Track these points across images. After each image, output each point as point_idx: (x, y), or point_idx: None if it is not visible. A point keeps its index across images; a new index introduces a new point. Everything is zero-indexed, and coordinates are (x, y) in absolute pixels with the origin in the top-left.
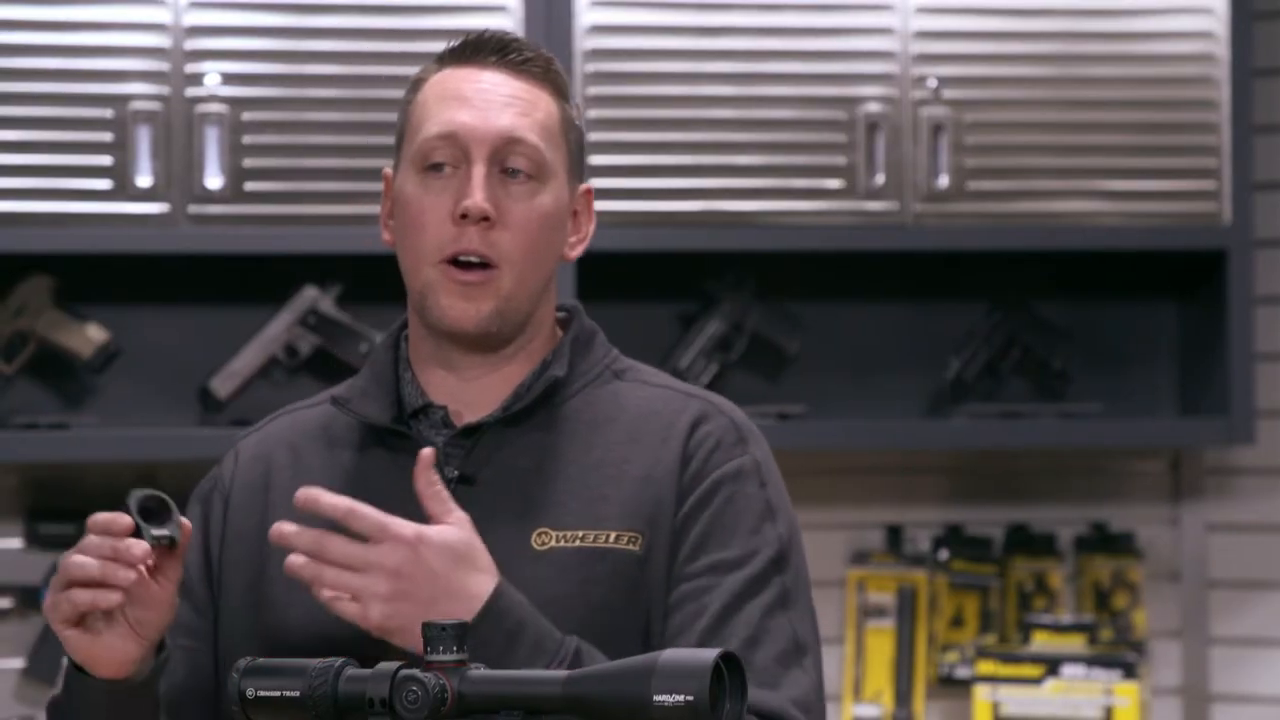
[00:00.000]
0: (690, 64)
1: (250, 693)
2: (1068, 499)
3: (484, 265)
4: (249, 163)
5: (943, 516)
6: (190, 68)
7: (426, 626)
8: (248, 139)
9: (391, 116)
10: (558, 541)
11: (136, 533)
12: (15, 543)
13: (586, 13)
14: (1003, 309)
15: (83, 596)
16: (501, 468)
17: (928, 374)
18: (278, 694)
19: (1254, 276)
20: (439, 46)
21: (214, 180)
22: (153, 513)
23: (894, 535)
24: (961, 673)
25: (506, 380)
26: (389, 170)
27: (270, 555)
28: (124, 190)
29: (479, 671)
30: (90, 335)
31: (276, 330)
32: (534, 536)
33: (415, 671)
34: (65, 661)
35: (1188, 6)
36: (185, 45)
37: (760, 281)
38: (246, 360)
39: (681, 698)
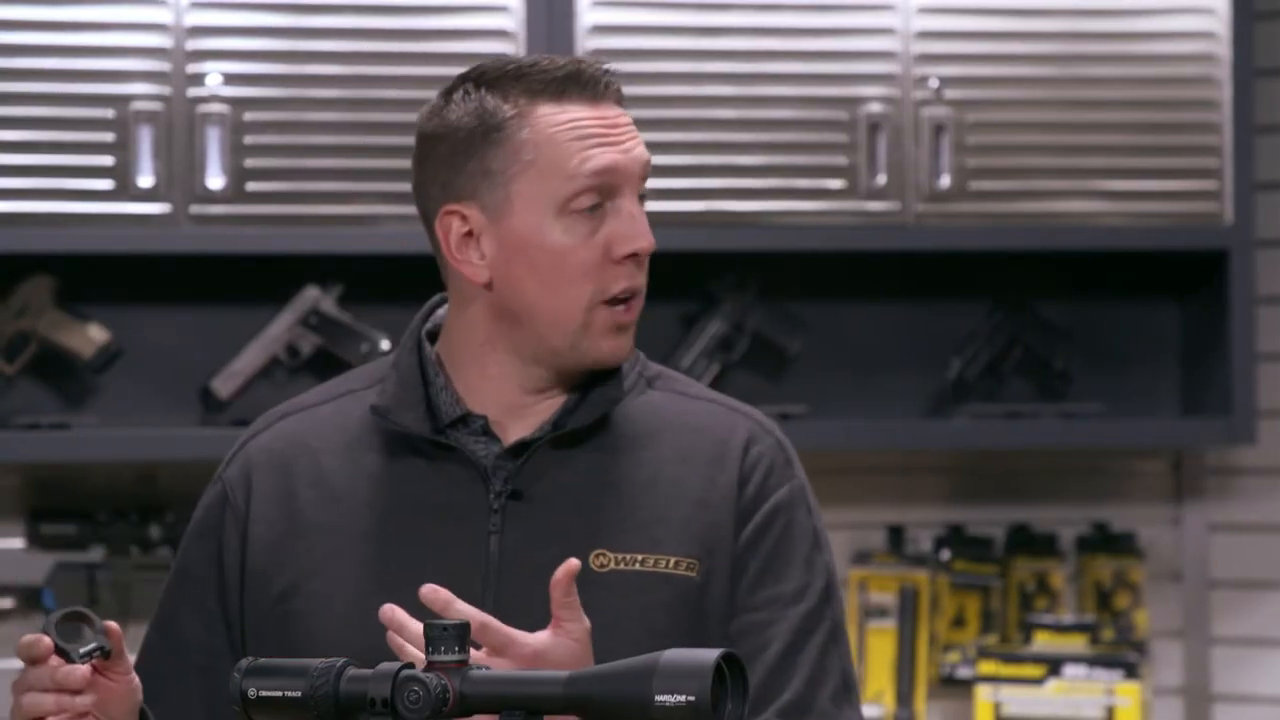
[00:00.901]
0: (692, 64)
1: (252, 692)
2: (1069, 499)
3: (633, 297)
4: (250, 163)
5: (944, 516)
6: (191, 68)
7: (428, 627)
8: (249, 139)
9: (393, 116)
10: (617, 564)
11: (64, 654)
12: (17, 543)
13: (588, 13)
14: (1004, 309)
15: None
16: (553, 484)
17: (929, 374)
18: (279, 694)
19: (1255, 276)
20: (441, 46)
21: (215, 180)
22: (74, 630)
23: (895, 535)
24: (963, 673)
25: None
26: (456, 206)
27: (303, 569)
28: (125, 190)
29: (480, 672)
30: (91, 335)
31: (278, 330)
32: (592, 558)
33: (417, 672)
34: None
35: (1189, 6)
36: (187, 45)
37: (762, 281)
38: (248, 360)
39: (683, 698)
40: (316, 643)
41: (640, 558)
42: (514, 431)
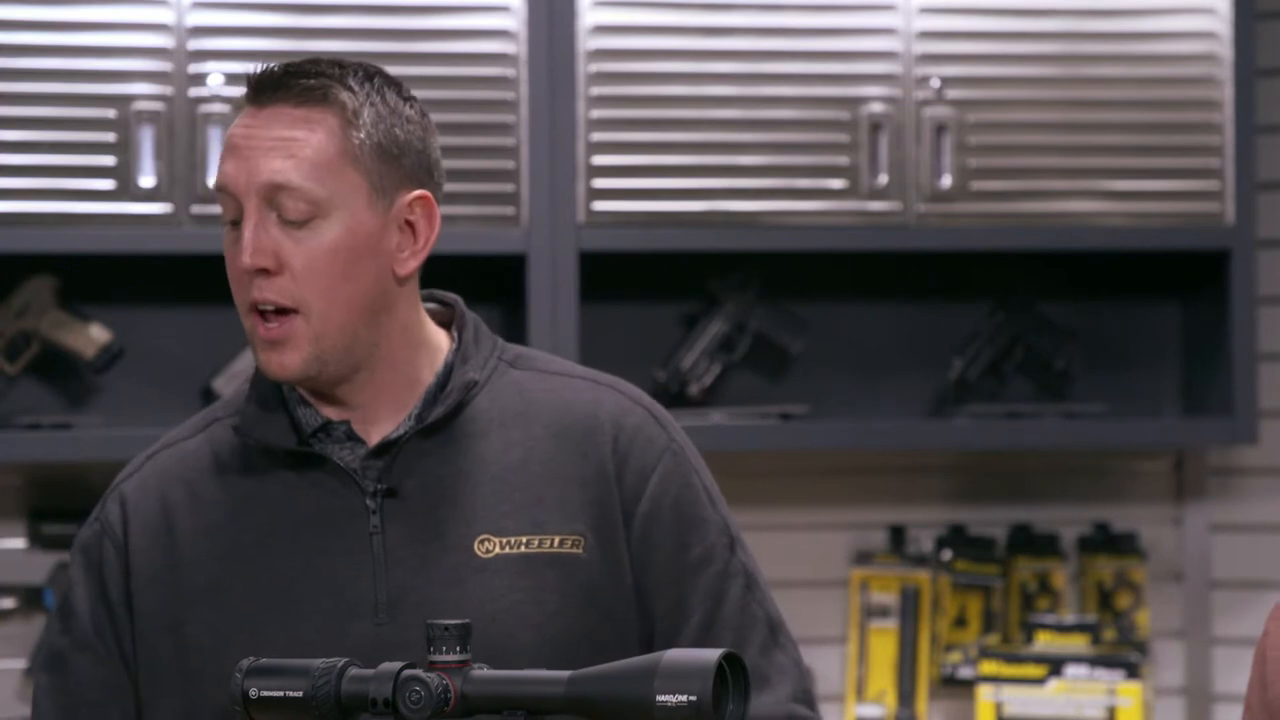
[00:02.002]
0: (693, 64)
1: (253, 693)
2: (1071, 499)
3: (284, 311)
4: None
5: (946, 516)
6: (193, 68)
7: (430, 626)
8: None
9: None
10: (502, 548)
11: None
12: (18, 543)
13: (590, 13)
14: (1006, 309)
15: None
16: (425, 478)
17: (931, 374)
18: (281, 694)
19: (1257, 276)
20: (443, 47)
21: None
22: None
23: (897, 535)
24: (964, 673)
25: (397, 387)
26: None
27: (189, 600)
28: (127, 190)
29: (482, 671)
30: (93, 335)
31: None
32: (476, 544)
33: (418, 671)
34: None
35: (1191, 6)
36: (188, 45)
37: (763, 281)
38: (249, 361)
39: (685, 698)
40: (221, 666)
41: (525, 539)
42: (376, 432)
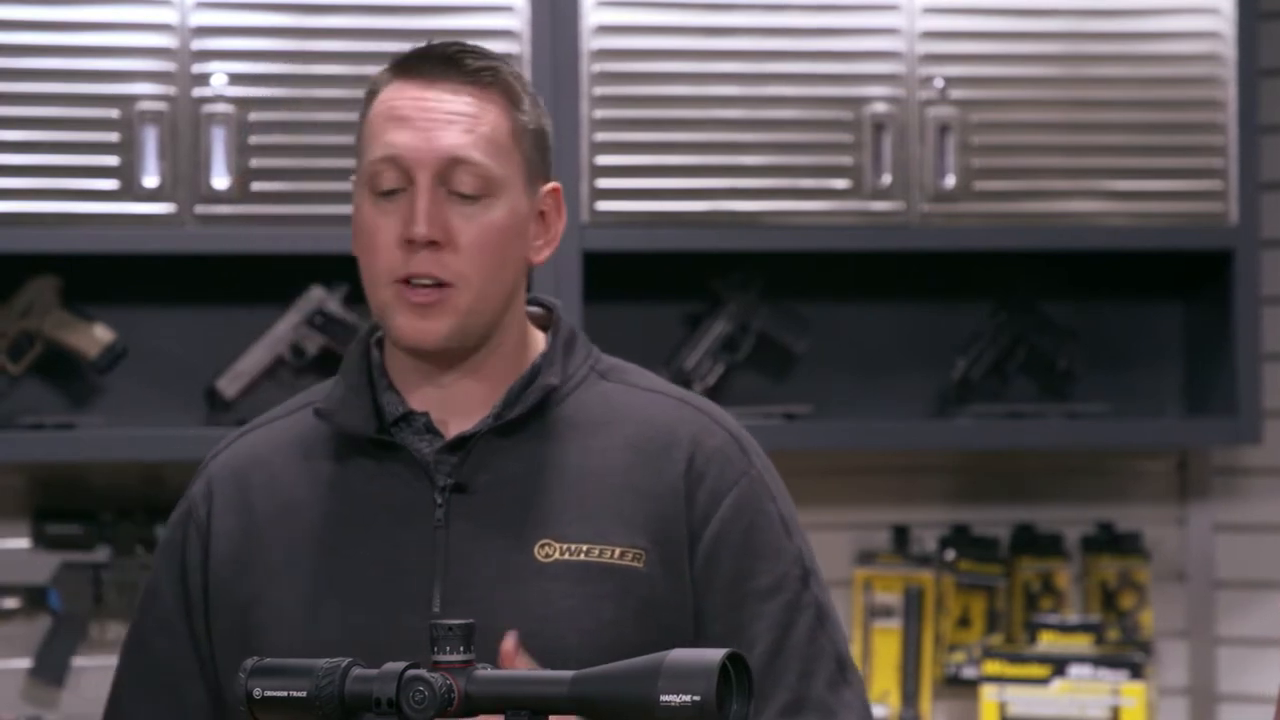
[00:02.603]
0: (697, 64)
1: (257, 692)
2: (1074, 499)
3: (438, 284)
4: (255, 163)
5: (949, 516)
6: (197, 68)
7: (434, 626)
8: (254, 139)
9: None
10: (562, 554)
11: None
12: (22, 543)
13: (593, 13)
14: (1009, 309)
15: None
16: (496, 476)
17: (934, 374)
18: (284, 694)
19: (1260, 276)
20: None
21: (220, 180)
22: None
23: (900, 535)
24: (968, 673)
25: (486, 384)
26: (352, 183)
27: (261, 580)
28: (130, 190)
29: (486, 671)
30: (97, 335)
31: (283, 330)
32: (536, 548)
33: (422, 671)
34: None
35: (1194, 6)
36: (192, 45)
37: (767, 281)
38: (253, 360)
39: (688, 698)
40: (278, 651)
41: (585, 548)
42: (456, 426)
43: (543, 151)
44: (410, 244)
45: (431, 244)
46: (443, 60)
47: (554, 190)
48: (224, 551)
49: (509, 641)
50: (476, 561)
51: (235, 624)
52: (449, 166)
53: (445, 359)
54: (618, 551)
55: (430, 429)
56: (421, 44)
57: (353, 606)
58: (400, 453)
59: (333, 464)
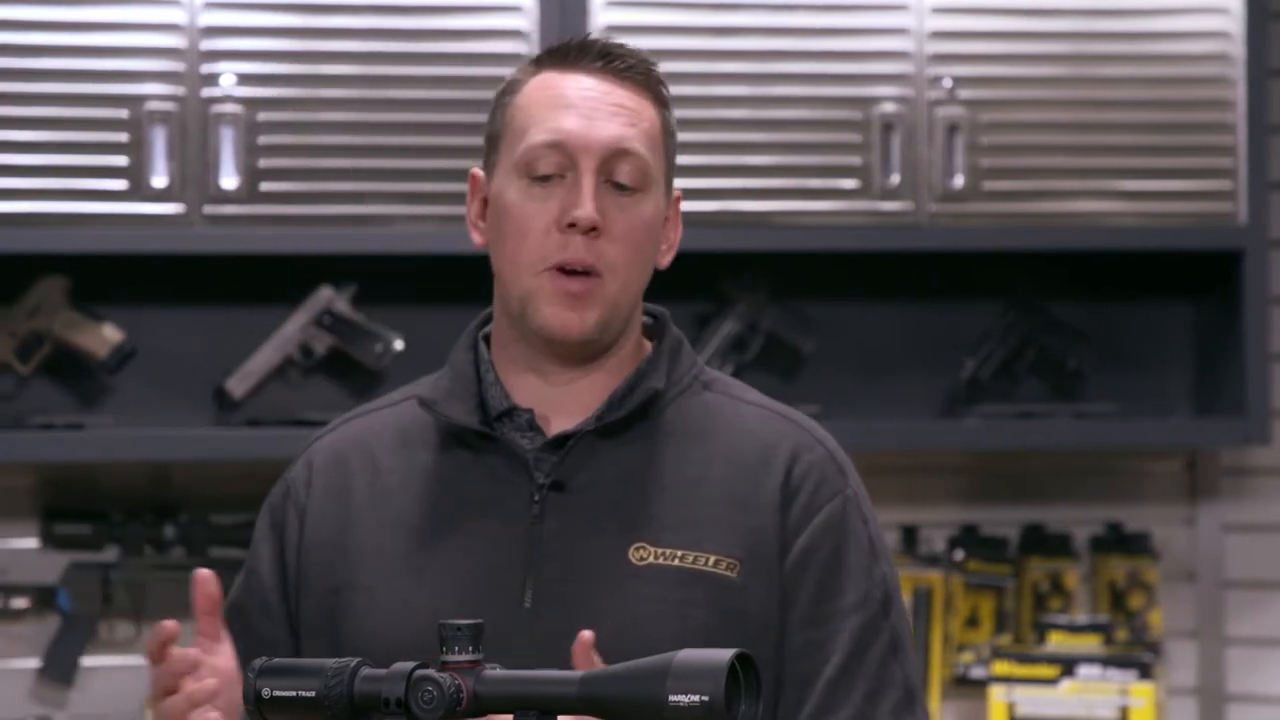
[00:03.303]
0: (705, 64)
1: (266, 692)
2: (1083, 499)
3: (587, 273)
4: (264, 163)
5: (958, 517)
6: (205, 68)
7: (443, 626)
8: (263, 139)
9: (406, 117)
10: (656, 558)
11: None
12: (31, 542)
13: (601, 13)
14: (1018, 309)
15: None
16: (594, 477)
17: (943, 374)
18: (293, 694)
19: (1270, 276)
20: (454, 47)
21: (229, 180)
22: None
23: (909, 535)
24: (977, 673)
25: (594, 386)
26: (478, 171)
27: (353, 564)
28: (139, 190)
29: (494, 671)
30: (106, 335)
31: (292, 330)
32: (631, 551)
33: (431, 671)
34: None
35: (1203, 6)
36: (200, 46)
37: (775, 282)
38: (262, 360)
39: (697, 698)
40: (364, 636)
41: (680, 554)
42: (558, 425)
43: (675, 156)
44: (570, 228)
45: (591, 230)
46: (601, 54)
47: (678, 197)
48: (319, 534)
49: (585, 638)
50: (570, 560)
51: (325, 607)
52: (613, 156)
53: (573, 354)
54: (712, 560)
55: (533, 426)
56: (572, 39)
57: (442, 598)
58: (500, 447)
59: (432, 454)
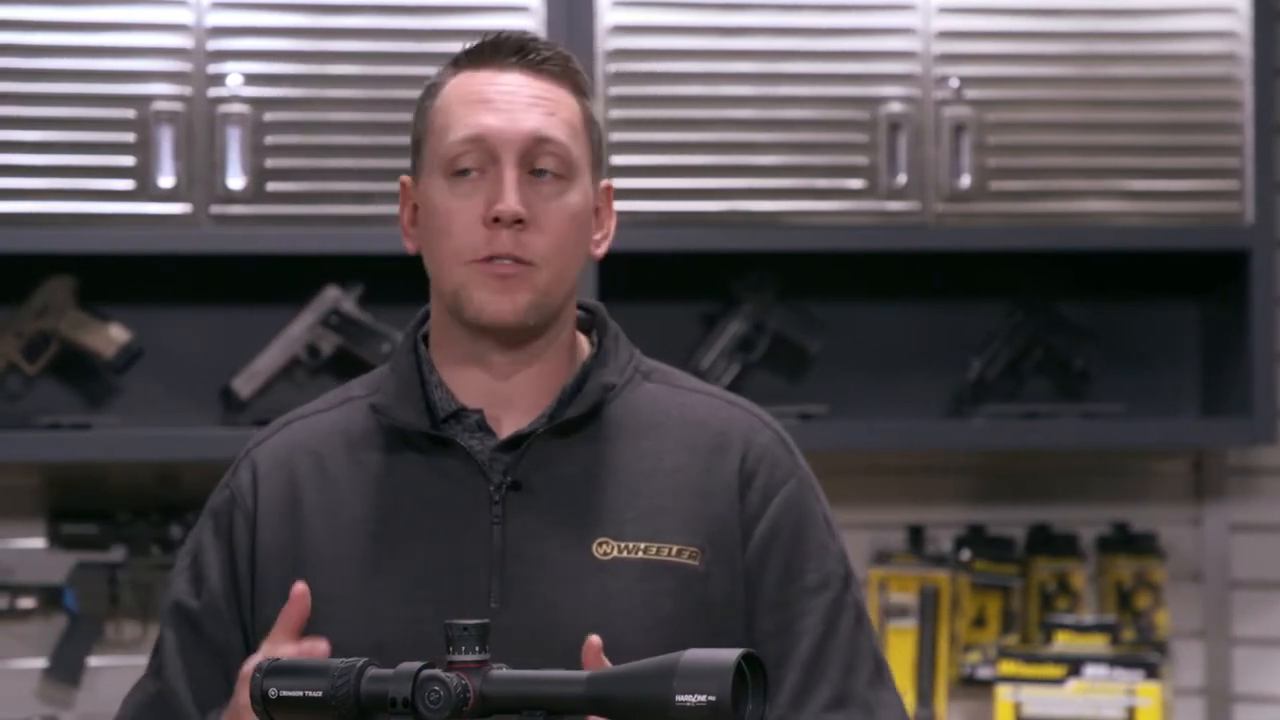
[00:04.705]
0: (712, 64)
1: (273, 693)
2: (1090, 499)
3: (520, 262)
4: (271, 163)
5: (964, 517)
6: (212, 68)
7: (449, 626)
8: (270, 139)
9: (410, 117)
10: (620, 552)
11: None
12: (38, 542)
13: (608, 13)
14: (1024, 309)
15: None
16: (552, 475)
17: (949, 374)
18: (300, 694)
19: (1276, 276)
20: (459, 47)
21: (236, 180)
22: None
23: (916, 535)
24: (984, 673)
25: (537, 380)
26: (406, 178)
27: (311, 572)
28: (146, 191)
29: (501, 671)
30: (112, 335)
31: (298, 330)
32: (595, 546)
33: (438, 671)
34: None
35: (1210, 6)
36: (207, 46)
37: (782, 281)
38: (268, 360)
39: (704, 698)
40: (330, 639)
41: (643, 546)
42: (508, 425)
43: (602, 147)
44: (495, 223)
45: (516, 222)
46: (515, 49)
47: (608, 188)
48: (271, 542)
49: (593, 643)
50: (535, 558)
51: (280, 614)
52: (533, 146)
53: (510, 342)
54: (675, 550)
55: (482, 426)
56: (483, 38)
57: (410, 603)
58: (453, 449)
59: (381, 457)
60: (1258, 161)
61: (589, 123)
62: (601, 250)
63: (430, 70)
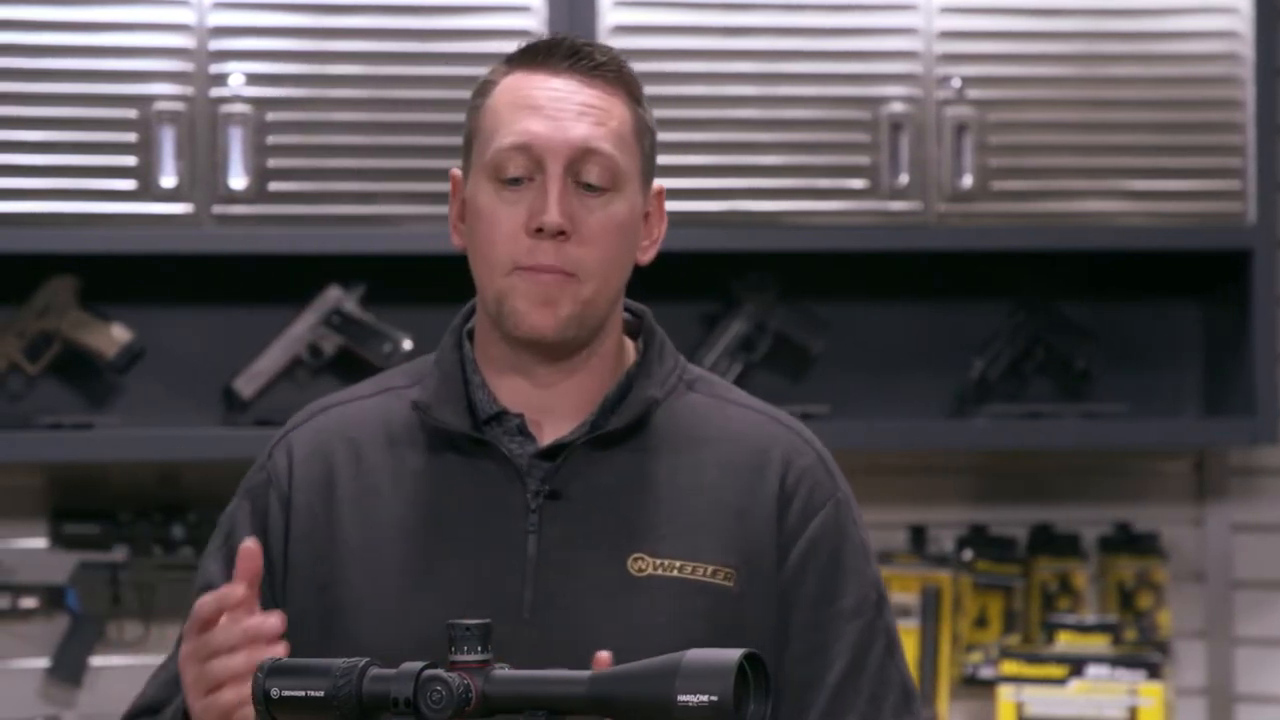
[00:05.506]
0: (714, 64)
1: (275, 692)
2: (1092, 499)
3: (560, 274)
4: (273, 163)
5: (967, 517)
6: (214, 68)
7: (451, 626)
8: (272, 139)
9: (415, 116)
10: (655, 569)
11: None
12: (40, 542)
13: (610, 13)
14: (1026, 309)
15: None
16: (590, 485)
17: (951, 374)
18: (302, 694)
19: (1278, 276)
20: (463, 46)
21: (238, 180)
22: None
23: (918, 535)
24: (985, 673)
25: (580, 389)
26: (457, 171)
27: (341, 561)
28: (148, 191)
29: (503, 671)
30: (114, 335)
31: (300, 330)
32: (630, 561)
33: (440, 671)
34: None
35: (1212, 6)
36: (209, 46)
37: (784, 281)
38: (270, 360)
39: (706, 698)
40: (360, 635)
41: (679, 564)
42: (549, 431)
43: (654, 152)
44: (537, 233)
45: (559, 234)
46: (569, 53)
47: (659, 193)
48: (304, 527)
49: (602, 659)
50: (569, 570)
51: (312, 603)
52: (580, 157)
53: (551, 353)
54: (709, 569)
55: (523, 431)
56: (539, 38)
57: (440, 606)
58: (492, 452)
59: (420, 454)
60: (1259, 161)
61: (640, 131)
62: (649, 256)
63: (433, 70)
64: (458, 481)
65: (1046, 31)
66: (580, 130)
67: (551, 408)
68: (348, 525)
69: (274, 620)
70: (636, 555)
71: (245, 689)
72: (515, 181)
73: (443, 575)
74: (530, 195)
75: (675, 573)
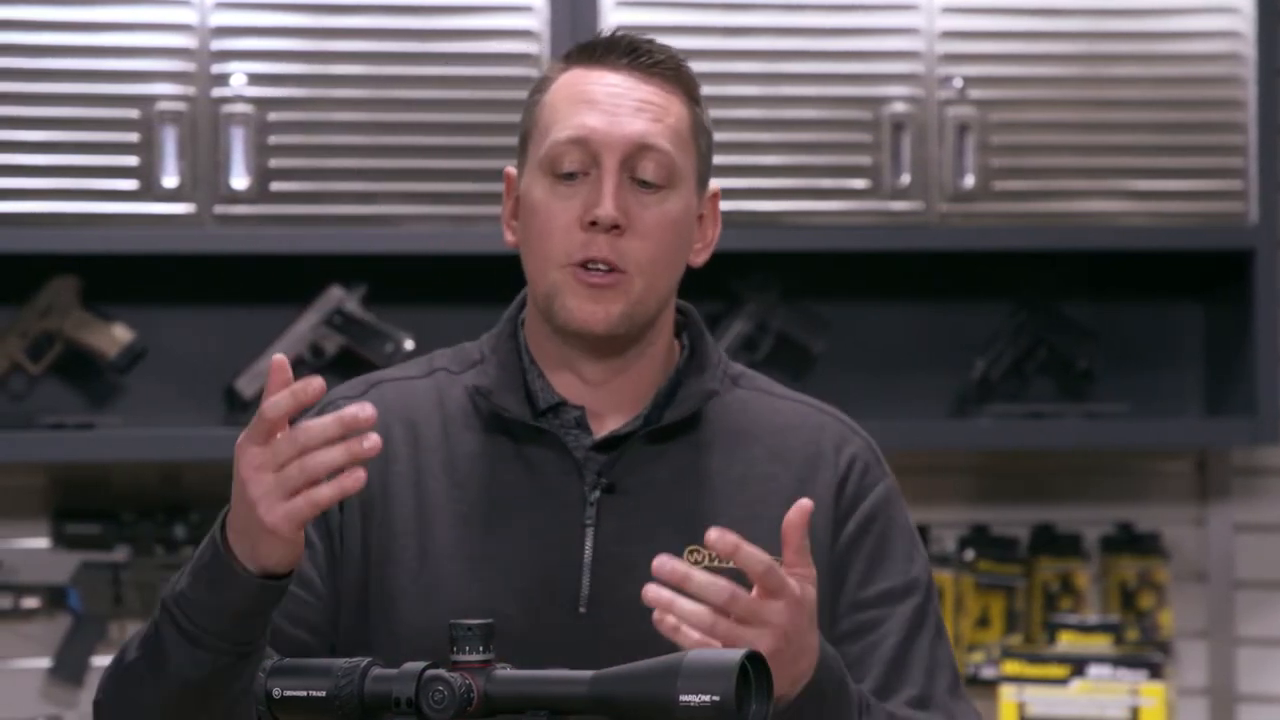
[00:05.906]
0: (715, 64)
1: (277, 692)
2: (1093, 499)
3: (612, 270)
4: (275, 163)
5: (968, 517)
6: (216, 68)
7: (453, 626)
8: (273, 139)
9: (417, 116)
10: (711, 561)
11: None
12: (42, 542)
13: (612, 13)
14: (1028, 309)
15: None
16: (646, 479)
17: (953, 374)
18: (304, 694)
19: None
20: (464, 46)
21: (239, 180)
22: None
23: (919, 535)
24: (987, 673)
25: (632, 384)
26: (511, 169)
27: (397, 539)
28: (150, 191)
29: (505, 671)
30: (116, 335)
31: (302, 330)
32: (686, 553)
33: (441, 671)
34: (206, 555)
35: (1214, 6)
36: (211, 46)
37: (786, 281)
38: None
39: (707, 698)
40: (411, 613)
41: None
42: (605, 424)
43: (710, 153)
44: (592, 226)
45: (613, 229)
46: (628, 49)
47: (714, 195)
48: (357, 498)
49: (805, 506)
50: (626, 564)
51: (360, 574)
52: (637, 152)
53: (602, 349)
54: None
55: (581, 424)
56: (600, 34)
57: (496, 596)
58: (550, 442)
59: (477, 439)
60: (1261, 161)
61: (697, 130)
62: (702, 259)
63: (435, 69)
64: (513, 470)
65: (1048, 31)
66: (637, 125)
67: (604, 403)
68: (402, 503)
69: (318, 382)
70: (692, 548)
71: (330, 489)
72: (570, 176)
73: (501, 568)
74: (585, 190)
75: (731, 564)
